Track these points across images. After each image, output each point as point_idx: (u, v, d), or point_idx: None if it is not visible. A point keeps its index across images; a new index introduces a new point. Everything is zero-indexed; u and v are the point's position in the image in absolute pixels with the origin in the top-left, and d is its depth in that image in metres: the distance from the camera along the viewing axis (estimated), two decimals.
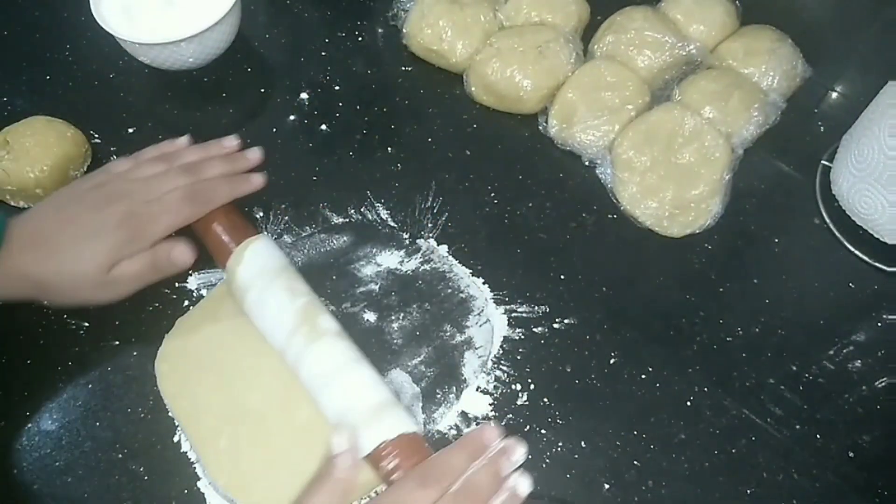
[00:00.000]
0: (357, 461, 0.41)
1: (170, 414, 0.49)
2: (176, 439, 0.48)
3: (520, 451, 0.41)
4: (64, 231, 0.45)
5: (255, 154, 0.53)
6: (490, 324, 0.53)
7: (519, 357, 0.52)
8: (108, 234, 0.45)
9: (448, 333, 0.53)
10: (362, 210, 0.59)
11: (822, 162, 0.62)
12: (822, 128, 0.65)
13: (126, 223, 0.46)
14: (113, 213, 0.46)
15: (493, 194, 0.60)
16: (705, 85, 0.62)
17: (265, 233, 0.55)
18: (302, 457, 0.47)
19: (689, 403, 0.51)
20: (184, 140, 0.53)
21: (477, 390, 0.51)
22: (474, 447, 0.41)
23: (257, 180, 0.52)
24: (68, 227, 0.46)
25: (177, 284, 0.54)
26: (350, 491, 0.40)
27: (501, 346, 0.52)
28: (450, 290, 0.55)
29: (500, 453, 0.41)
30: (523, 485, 0.40)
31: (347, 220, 0.58)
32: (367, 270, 0.56)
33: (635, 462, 0.48)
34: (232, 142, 0.53)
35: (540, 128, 0.63)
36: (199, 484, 0.47)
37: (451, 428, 0.49)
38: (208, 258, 0.55)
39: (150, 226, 0.47)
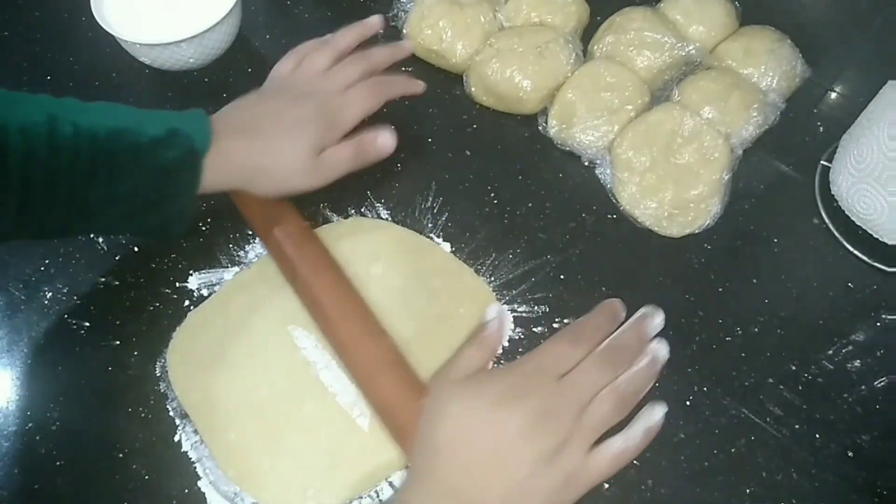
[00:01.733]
0: (504, 326, 0.44)
1: (170, 413, 0.49)
2: (177, 439, 0.48)
3: (660, 317, 0.42)
4: (269, 122, 0.48)
5: (408, 45, 0.58)
6: None
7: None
8: (308, 125, 0.48)
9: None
10: (362, 210, 0.59)
11: (822, 162, 0.62)
12: (821, 128, 0.65)
13: (323, 116, 0.49)
14: (308, 108, 0.49)
15: (493, 194, 0.60)
16: (705, 85, 0.62)
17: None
18: (311, 449, 0.47)
19: (688, 403, 0.51)
20: (339, 32, 0.56)
21: None
22: (613, 312, 0.43)
23: (418, 85, 0.56)
24: (272, 118, 0.49)
25: (177, 284, 0.54)
26: (496, 348, 0.43)
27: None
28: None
29: (641, 318, 0.42)
30: (663, 350, 0.41)
31: (347, 220, 0.58)
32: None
33: (635, 462, 0.48)
34: (375, 21, 0.57)
35: (540, 128, 0.63)
36: (199, 483, 0.47)
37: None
38: (207, 258, 0.55)
39: (343, 115, 0.50)
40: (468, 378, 0.40)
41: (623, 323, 0.42)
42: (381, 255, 0.55)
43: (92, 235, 0.56)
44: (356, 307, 0.49)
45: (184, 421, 0.49)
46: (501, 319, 0.43)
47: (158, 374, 0.50)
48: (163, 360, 0.51)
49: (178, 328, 0.52)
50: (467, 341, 0.43)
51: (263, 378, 0.50)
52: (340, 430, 0.48)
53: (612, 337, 0.41)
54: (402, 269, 0.54)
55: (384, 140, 0.52)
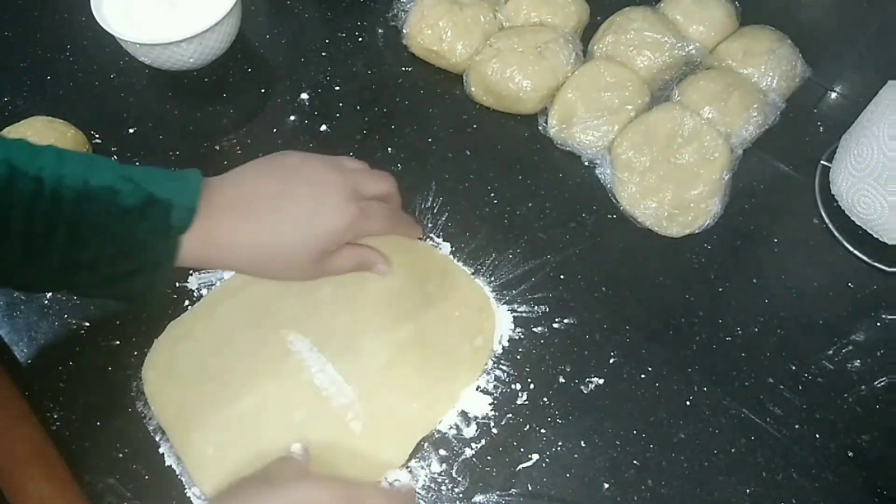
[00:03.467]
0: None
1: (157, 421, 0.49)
2: None
3: None
4: (292, 199, 0.41)
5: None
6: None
7: (519, 357, 0.52)
8: (336, 213, 0.41)
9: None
10: None
11: (822, 162, 0.62)
12: (821, 128, 0.65)
13: (351, 205, 0.42)
14: (339, 192, 0.42)
15: (493, 194, 0.60)
16: (705, 85, 0.62)
17: None
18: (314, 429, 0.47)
19: (688, 403, 0.51)
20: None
21: (477, 390, 0.51)
22: None
23: (418, 231, 0.50)
24: (299, 196, 0.41)
25: (177, 284, 0.54)
26: None
27: (501, 346, 0.52)
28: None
29: None
30: None
31: None
32: None
33: (635, 462, 0.48)
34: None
35: (540, 128, 0.63)
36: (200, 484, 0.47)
37: (452, 427, 0.49)
38: None
39: (360, 225, 0.43)
40: None
41: None
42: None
43: None
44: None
45: None
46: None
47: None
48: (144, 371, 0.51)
49: (156, 340, 0.51)
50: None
51: (250, 387, 0.49)
52: (332, 435, 0.48)
53: None
54: (398, 272, 0.53)
55: (383, 268, 0.46)
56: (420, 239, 0.55)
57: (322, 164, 0.43)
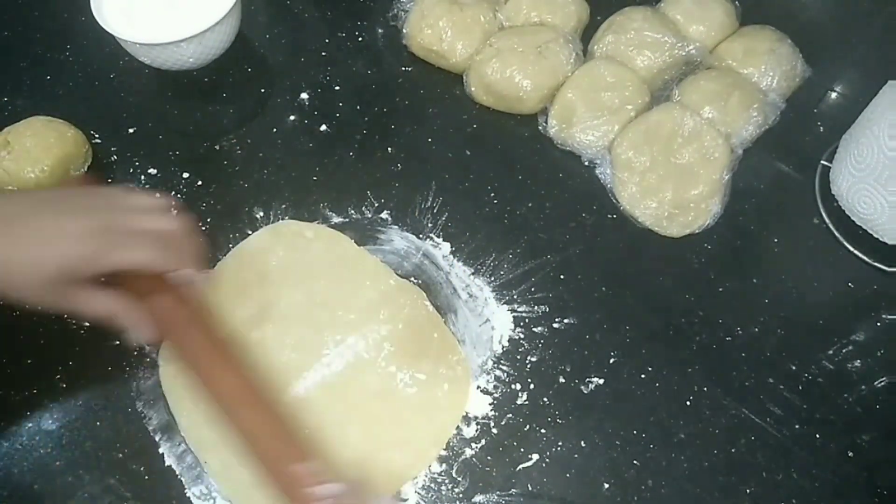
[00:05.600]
0: None
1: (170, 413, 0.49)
2: (177, 439, 0.48)
3: None
4: (35, 221, 0.42)
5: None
6: (490, 323, 0.53)
7: (519, 357, 0.52)
8: (78, 240, 0.42)
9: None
10: (362, 210, 0.59)
11: (822, 162, 0.62)
12: (821, 128, 0.65)
13: (99, 236, 0.43)
14: (89, 221, 0.43)
15: (493, 194, 0.60)
16: (705, 85, 0.62)
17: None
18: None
19: (688, 403, 0.51)
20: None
21: (477, 390, 0.51)
22: None
23: (200, 280, 0.48)
24: (42, 219, 0.42)
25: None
26: None
27: (501, 346, 0.52)
28: (450, 291, 0.55)
29: None
30: None
31: (347, 219, 0.58)
32: None
33: (635, 461, 0.48)
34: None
35: (540, 128, 0.63)
36: (200, 483, 0.47)
37: (458, 422, 0.49)
38: (206, 257, 0.55)
39: (118, 250, 0.43)
40: None
41: None
42: (311, 269, 0.54)
43: None
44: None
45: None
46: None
47: (158, 374, 0.50)
48: (161, 362, 0.51)
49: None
50: None
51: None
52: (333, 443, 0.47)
53: None
54: (329, 284, 0.53)
55: (141, 333, 0.45)
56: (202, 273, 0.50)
57: (86, 199, 0.45)
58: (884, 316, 0.55)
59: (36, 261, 0.41)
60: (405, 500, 0.46)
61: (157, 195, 0.50)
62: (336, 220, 0.58)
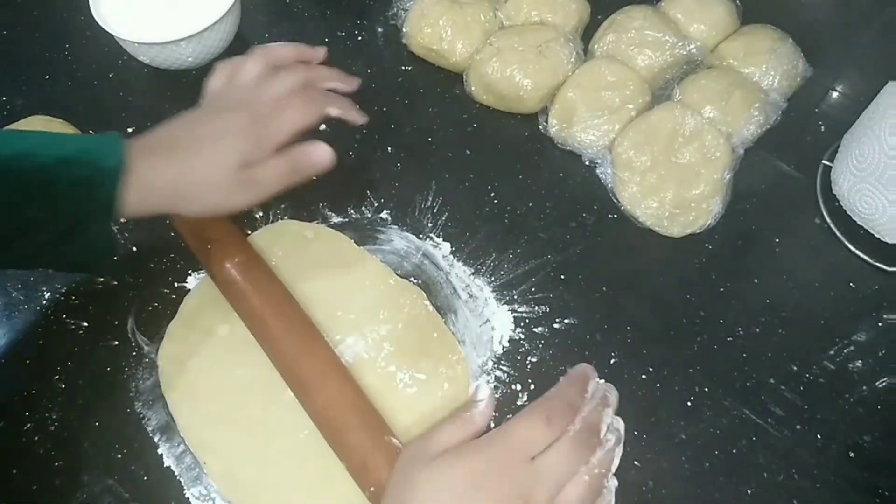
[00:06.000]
0: (491, 408, 0.42)
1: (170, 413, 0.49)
2: (177, 439, 0.48)
3: (615, 394, 0.43)
4: (189, 137, 0.45)
5: (355, 81, 0.53)
6: (490, 324, 0.53)
7: (519, 357, 0.52)
8: (234, 138, 0.45)
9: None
10: (362, 210, 0.59)
11: (823, 162, 0.62)
12: (822, 127, 0.65)
13: (251, 128, 0.45)
14: (233, 120, 0.46)
15: (493, 194, 0.60)
16: (706, 84, 0.62)
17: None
18: (299, 463, 0.47)
19: (689, 403, 0.51)
20: (278, 43, 0.53)
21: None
22: (583, 384, 0.42)
23: (360, 116, 0.52)
24: (192, 133, 0.45)
25: (176, 284, 0.54)
26: (481, 431, 0.41)
27: (501, 346, 0.52)
28: (450, 291, 0.55)
29: (603, 396, 0.42)
30: (622, 427, 0.42)
31: (347, 219, 0.58)
32: None
33: (635, 462, 0.48)
34: (322, 52, 0.54)
35: (540, 127, 0.63)
36: (200, 484, 0.47)
37: None
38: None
39: (273, 128, 0.46)
40: (441, 455, 0.39)
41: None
42: (311, 269, 0.54)
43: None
44: (317, 347, 0.48)
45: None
46: (489, 402, 0.42)
47: (157, 375, 0.50)
48: (160, 363, 0.51)
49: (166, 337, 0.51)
50: (450, 417, 0.42)
51: (249, 392, 0.49)
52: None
53: (581, 417, 0.41)
54: (329, 284, 0.53)
55: (320, 154, 0.47)
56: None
57: (229, 97, 0.48)
58: (885, 316, 0.55)
59: (211, 172, 0.44)
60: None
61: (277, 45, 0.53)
62: (336, 219, 0.58)
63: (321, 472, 0.46)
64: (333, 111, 0.50)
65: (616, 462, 0.41)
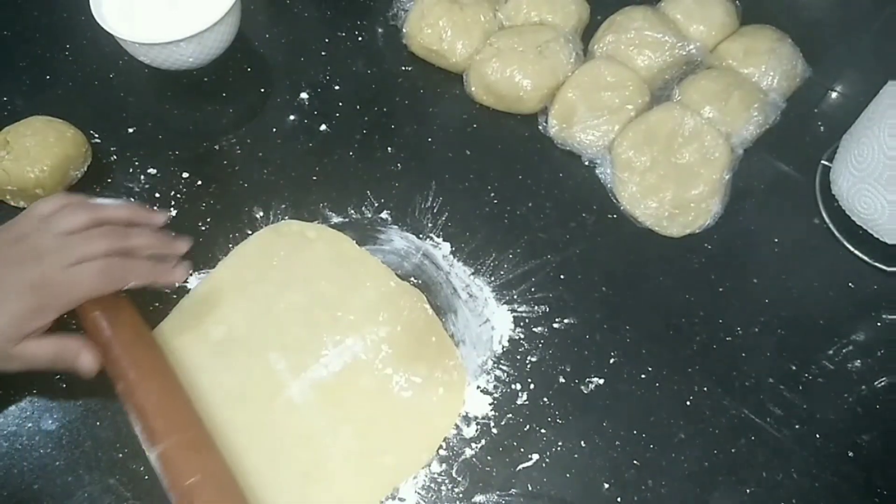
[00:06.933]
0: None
1: None
2: None
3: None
4: None
5: (184, 245, 0.50)
6: (490, 324, 0.53)
7: (519, 357, 0.52)
8: (17, 300, 0.43)
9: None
10: (362, 210, 0.59)
11: (822, 162, 0.62)
12: (821, 128, 0.65)
13: (38, 290, 0.43)
14: (25, 277, 0.43)
15: (493, 194, 0.60)
16: (705, 85, 0.62)
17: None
18: (278, 470, 0.47)
19: (688, 403, 0.51)
20: (116, 202, 0.51)
21: (477, 390, 0.51)
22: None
23: (180, 273, 0.49)
24: None
25: (176, 284, 0.54)
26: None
27: (501, 346, 0.52)
28: (450, 291, 0.55)
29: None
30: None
31: (347, 219, 0.58)
32: None
33: (635, 462, 0.48)
34: (162, 217, 0.51)
35: (540, 128, 0.63)
36: None
37: (452, 427, 0.49)
38: (207, 258, 0.55)
39: (61, 297, 0.44)
40: None
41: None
42: (312, 269, 0.54)
43: None
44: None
45: None
46: None
47: None
48: None
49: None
50: None
51: (232, 402, 0.49)
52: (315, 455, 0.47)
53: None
54: (330, 284, 0.53)
55: (85, 360, 0.45)
56: (182, 283, 0.53)
57: (16, 246, 0.45)
58: (884, 316, 0.55)
59: None
60: (403, 501, 0.46)
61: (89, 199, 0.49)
62: (336, 219, 0.58)
63: (305, 478, 0.46)
64: (134, 283, 0.47)
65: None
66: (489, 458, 0.48)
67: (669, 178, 0.59)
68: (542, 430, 0.49)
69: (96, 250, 0.45)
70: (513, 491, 0.47)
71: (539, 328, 0.53)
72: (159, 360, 0.47)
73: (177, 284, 0.51)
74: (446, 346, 0.52)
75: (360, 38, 0.70)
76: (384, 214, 0.58)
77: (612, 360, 0.52)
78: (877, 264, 0.57)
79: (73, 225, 0.46)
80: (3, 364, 0.44)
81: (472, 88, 0.65)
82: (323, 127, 0.64)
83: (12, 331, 0.43)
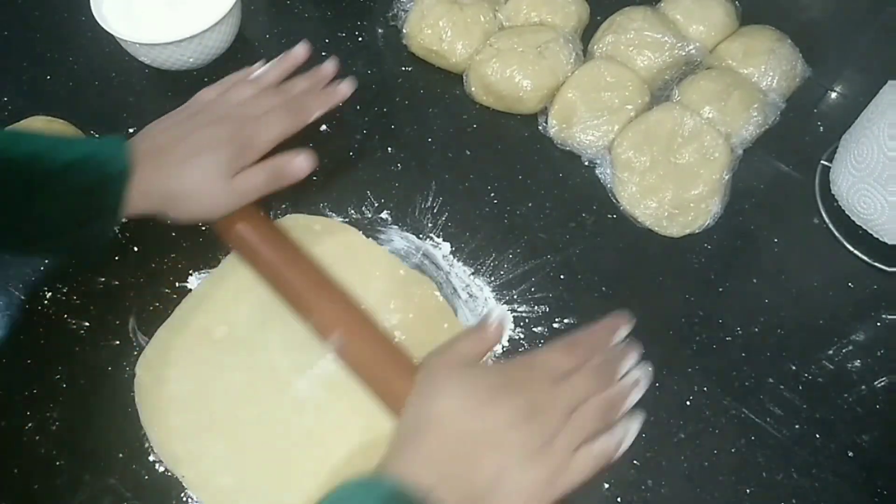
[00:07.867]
0: (505, 327, 0.46)
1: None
2: None
3: (635, 353, 0.44)
4: (182, 146, 0.48)
5: (330, 66, 0.56)
6: None
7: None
8: (221, 147, 0.48)
9: (447, 333, 0.53)
10: (362, 210, 0.59)
11: (822, 162, 0.62)
12: (821, 128, 0.65)
13: (236, 137, 0.49)
14: (221, 130, 0.49)
15: (493, 194, 0.60)
16: (705, 85, 0.62)
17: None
18: (286, 468, 0.47)
19: (688, 403, 0.51)
20: (259, 63, 0.56)
21: None
22: (612, 329, 0.44)
23: (345, 89, 0.55)
24: (184, 142, 0.48)
25: (177, 284, 0.54)
26: (494, 345, 0.45)
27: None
28: (450, 290, 0.55)
29: (628, 346, 0.44)
30: (648, 373, 0.43)
31: (347, 219, 0.58)
32: None
33: (635, 462, 0.48)
34: (301, 51, 0.57)
35: (540, 128, 0.63)
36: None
37: None
38: (207, 258, 0.55)
39: (257, 138, 0.50)
40: (465, 365, 0.41)
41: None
42: (321, 260, 0.54)
43: None
44: (335, 292, 0.49)
45: None
46: (502, 321, 0.44)
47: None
48: (138, 371, 0.51)
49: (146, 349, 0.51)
50: (465, 332, 0.44)
51: (238, 397, 0.49)
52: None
53: (604, 355, 0.43)
54: (339, 274, 0.53)
55: (300, 162, 0.51)
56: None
57: (223, 106, 0.51)
58: (884, 316, 0.55)
59: (199, 180, 0.48)
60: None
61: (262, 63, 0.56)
62: (336, 219, 0.58)
63: (315, 472, 0.46)
64: (316, 113, 0.53)
65: (633, 399, 0.42)
66: None
67: (669, 178, 0.59)
68: None
69: (273, 102, 0.52)
70: None
71: (539, 328, 0.53)
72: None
73: (346, 97, 0.56)
74: (459, 332, 0.51)
75: (360, 39, 0.70)
76: (384, 214, 0.59)
77: None
78: (877, 264, 0.57)
79: (243, 96, 0.52)
80: (225, 199, 0.49)
81: (472, 89, 0.65)
82: (323, 127, 0.64)
83: (224, 173, 0.48)
